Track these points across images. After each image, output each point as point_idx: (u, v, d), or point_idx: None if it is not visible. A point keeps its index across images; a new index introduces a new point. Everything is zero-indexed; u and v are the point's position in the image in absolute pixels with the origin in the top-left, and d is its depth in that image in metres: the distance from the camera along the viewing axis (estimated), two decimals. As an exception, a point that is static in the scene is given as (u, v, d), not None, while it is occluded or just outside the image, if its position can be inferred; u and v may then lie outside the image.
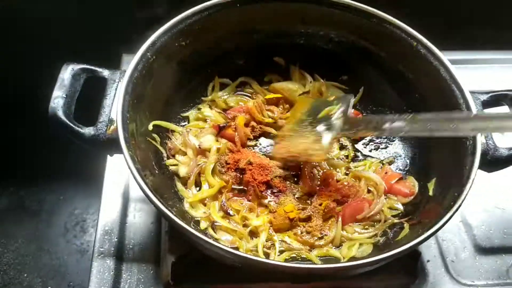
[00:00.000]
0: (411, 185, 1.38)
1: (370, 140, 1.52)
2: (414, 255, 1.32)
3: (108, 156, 1.46)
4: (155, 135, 1.36)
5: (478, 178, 1.27)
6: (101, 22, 1.87)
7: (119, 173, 1.51)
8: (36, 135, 1.75)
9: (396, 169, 1.45)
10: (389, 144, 1.51)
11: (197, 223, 1.27)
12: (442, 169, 1.32)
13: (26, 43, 1.85)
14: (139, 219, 1.41)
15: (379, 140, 1.51)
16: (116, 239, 1.36)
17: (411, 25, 1.42)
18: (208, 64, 1.52)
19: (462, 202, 1.11)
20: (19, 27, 1.84)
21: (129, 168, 1.10)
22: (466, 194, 1.12)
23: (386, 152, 1.49)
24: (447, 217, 1.07)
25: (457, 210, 1.10)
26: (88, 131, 1.20)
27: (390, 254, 1.02)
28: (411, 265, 1.34)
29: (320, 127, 1.30)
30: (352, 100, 1.35)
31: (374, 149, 1.50)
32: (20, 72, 1.89)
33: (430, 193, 1.31)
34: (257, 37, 1.54)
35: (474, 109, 1.26)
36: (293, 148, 1.32)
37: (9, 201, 2.03)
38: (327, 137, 1.28)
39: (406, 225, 1.26)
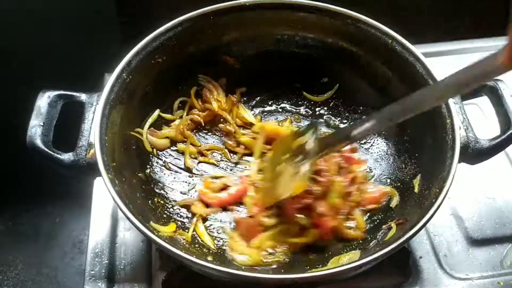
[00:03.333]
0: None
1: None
2: (404, 254, 1.31)
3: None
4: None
5: (466, 169, 1.28)
6: (82, 43, 1.88)
7: (107, 192, 1.50)
8: (23, 161, 1.75)
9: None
10: (373, 143, 1.51)
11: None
12: (425, 166, 1.31)
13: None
14: (129, 238, 1.41)
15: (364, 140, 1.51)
16: (106, 261, 1.36)
17: (388, 22, 1.42)
18: (187, 79, 1.52)
19: (444, 198, 1.10)
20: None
21: (109, 191, 1.11)
22: (448, 190, 1.12)
23: (370, 150, 1.49)
24: (428, 216, 1.07)
25: (438, 207, 1.09)
26: (67, 157, 1.20)
27: (371, 258, 1.02)
28: (403, 263, 1.34)
29: (298, 158, 1.26)
30: (319, 125, 1.34)
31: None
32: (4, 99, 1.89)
33: (416, 190, 1.30)
34: (234, 47, 1.54)
35: (451, 101, 1.26)
36: (275, 191, 1.27)
37: (5, 228, 2.05)
38: (305, 166, 1.23)
39: (393, 226, 1.26)
